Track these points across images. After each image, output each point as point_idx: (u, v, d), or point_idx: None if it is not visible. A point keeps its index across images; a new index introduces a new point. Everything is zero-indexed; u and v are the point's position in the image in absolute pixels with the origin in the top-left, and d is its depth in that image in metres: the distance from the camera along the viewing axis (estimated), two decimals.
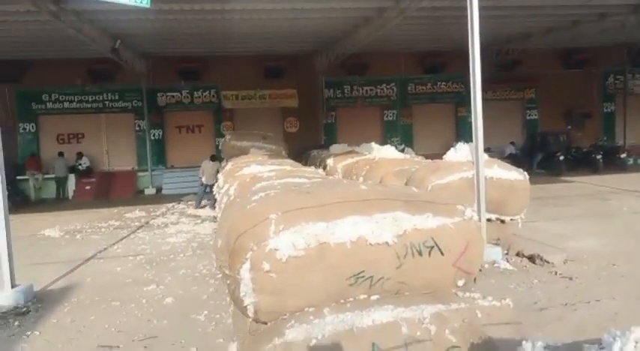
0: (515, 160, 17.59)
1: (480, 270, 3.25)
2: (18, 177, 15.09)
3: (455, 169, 6.36)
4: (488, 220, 6.44)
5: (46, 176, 15.73)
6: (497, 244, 6.43)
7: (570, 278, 5.44)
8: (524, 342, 1.82)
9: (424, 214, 2.91)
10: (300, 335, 2.48)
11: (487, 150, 19.62)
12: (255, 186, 4.75)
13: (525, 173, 6.66)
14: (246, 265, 2.71)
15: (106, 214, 12.04)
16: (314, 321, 2.56)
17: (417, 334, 2.49)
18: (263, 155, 10.66)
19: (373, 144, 10.62)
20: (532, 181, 14.39)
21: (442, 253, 2.88)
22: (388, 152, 9.06)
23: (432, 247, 2.86)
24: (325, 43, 14.96)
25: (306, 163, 13.55)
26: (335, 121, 18.17)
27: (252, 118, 17.15)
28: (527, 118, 19.16)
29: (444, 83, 18.58)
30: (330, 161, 10.57)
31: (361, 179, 7.93)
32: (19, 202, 14.03)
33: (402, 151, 12.70)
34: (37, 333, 4.51)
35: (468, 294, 2.84)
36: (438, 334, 2.49)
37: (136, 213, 11.90)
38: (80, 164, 16.07)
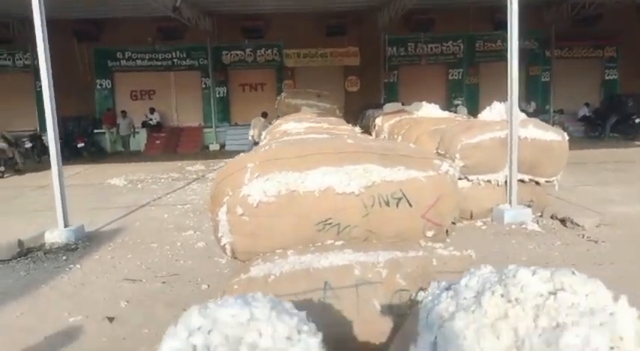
0: (588, 123, 16.65)
1: (454, 223, 3.28)
2: (95, 130, 16.34)
3: (487, 129, 6.22)
4: (522, 181, 6.31)
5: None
6: (528, 206, 6.30)
7: (596, 242, 5.28)
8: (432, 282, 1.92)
9: (396, 167, 3.00)
10: (261, 272, 2.71)
11: (559, 112, 18.58)
12: (267, 140, 4.99)
13: (564, 134, 6.39)
14: (223, 209, 2.96)
15: (169, 166, 12.84)
16: (277, 260, 2.78)
17: (369, 276, 2.64)
18: (314, 113, 10.84)
19: (424, 103, 10.44)
20: (601, 145, 13.65)
21: (410, 205, 2.97)
22: (431, 111, 8.93)
23: (400, 198, 2.96)
24: None
25: (361, 122, 13.62)
26: (397, 79, 17.89)
27: (313, 76, 17.28)
28: (606, 78, 17.86)
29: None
30: (378, 120, 10.57)
31: (399, 138, 7.95)
32: (95, 154, 15.26)
33: (455, 110, 12.37)
34: (79, 266, 5.09)
35: (430, 244, 2.93)
36: (389, 278, 2.63)
37: (196, 166, 12.60)
38: (151, 119, 17.06)
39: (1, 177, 11.65)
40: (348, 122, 14.34)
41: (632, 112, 14.92)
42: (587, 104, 16.99)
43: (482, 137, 6.15)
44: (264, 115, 13.16)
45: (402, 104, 12.38)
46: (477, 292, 1.39)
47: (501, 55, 17.62)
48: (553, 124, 17.04)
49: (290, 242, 2.98)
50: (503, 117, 6.31)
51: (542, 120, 19.75)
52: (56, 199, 6.04)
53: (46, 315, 3.84)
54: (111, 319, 3.71)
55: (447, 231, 3.18)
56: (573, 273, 1.27)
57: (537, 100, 17.42)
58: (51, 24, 6.16)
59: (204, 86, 17.61)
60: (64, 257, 5.41)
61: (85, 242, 5.98)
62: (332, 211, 2.94)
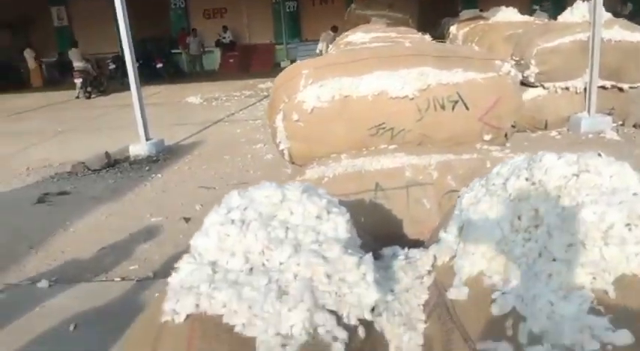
0: None
1: (514, 126, 3.18)
2: (172, 51, 16.80)
3: (567, 31, 5.77)
4: (602, 87, 5.90)
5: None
6: (609, 114, 5.93)
7: None
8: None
9: (453, 69, 2.93)
10: (315, 174, 2.83)
11: None
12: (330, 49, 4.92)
13: None
14: (280, 116, 3.05)
15: (242, 84, 13.11)
16: (330, 164, 2.88)
17: (420, 177, 2.69)
18: (384, 23, 10.47)
19: (502, 7, 9.75)
20: None
21: (467, 108, 2.91)
22: (509, 15, 8.34)
23: (457, 101, 2.91)
24: None
25: (436, 32, 13.00)
26: None
27: None
28: None
29: None
30: (453, 28, 10.07)
31: (474, 45, 7.57)
32: (173, 74, 15.80)
33: (533, 14, 11.42)
34: (160, 175, 5.51)
35: (486, 147, 2.90)
36: (440, 179, 2.67)
37: (268, 84, 12.74)
38: (224, 37, 17.22)
39: (88, 97, 12.47)
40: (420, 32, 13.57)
41: None
42: None
43: (561, 41, 5.74)
44: (334, 29, 12.86)
45: (480, 11, 11.66)
46: (505, 178, 1.41)
47: None
48: None
49: (344, 147, 3.05)
50: (586, 18, 5.80)
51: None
52: (136, 114, 6.45)
53: (131, 216, 4.27)
54: (187, 220, 4.06)
55: (505, 135, 3.11)
56: (599, 155, 1.25)
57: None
58: None
59: (274, 1, 17.35)
60: (147, 167, 5.85)
61: (165, 154, 6.41)
62: (385, 115, 2.95)
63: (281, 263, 1.26)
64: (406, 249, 1.78)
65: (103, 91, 12.91)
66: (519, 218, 1.28)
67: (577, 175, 1.23)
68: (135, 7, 6.52)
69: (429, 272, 1.58)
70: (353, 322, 1.24)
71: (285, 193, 1.42)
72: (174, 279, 1.27)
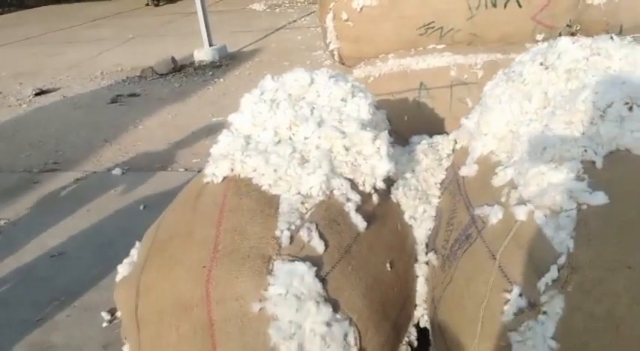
0: None
1: (569, 26, 3.06)
2: None
3: None
4: None
5: None
6: None
7: None
8: None
9: None
10: (362, 74, 2.92)
11: None
12: None
13: None
14: (330, 15, 3.09)
15: None
16: (377, 63, 2.94)
17: (465, 77, 2.72)
18: None
19: None
20: None
21: (520, 5, 2.83)
22: None
23: None
24: None
25: None
26: None
27: None
28: None
29: None
30: None
31: None
32: None
33: None
34: (222, 80, 5.75)
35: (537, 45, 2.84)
36: (485, 79, 2.66)
37: None
38: None
39: (157, 4, 12.70)
40: None
41: None
42: None
43: None
44: None
45: None
46: (524, 64, 1.47)
47: None
48: None
49: (393, 47, 3.07)
50: None
51: None
52: (200, 22, 6.60)
53: (195, 116, 4.57)
54: None
55: (559, 34, 3.01)
56: (612, 38, 1.27)
57: None
58: None
59: None
60: (210, 72, 6.10)
61: (227, 60, 6.60)
62: (434, 14, 2.92)
63: (306, 138, 1.42)
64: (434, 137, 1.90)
65: None
66: (530, 101, 1.36)
67: (587, 59, 1.27)
68: None
69: (448, 155, 1.70)
70: (368, 189, 1.40)
71: (314, 77, 1.55)
72: (214, 149, 1.47)
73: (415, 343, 1.38)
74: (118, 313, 1.45)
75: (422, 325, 1.41)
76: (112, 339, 1.97)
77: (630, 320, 0.86)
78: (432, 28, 2.99)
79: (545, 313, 0.94)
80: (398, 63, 2.90)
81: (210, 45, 6.71)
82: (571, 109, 1.22)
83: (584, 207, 1.04)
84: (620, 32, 5.63)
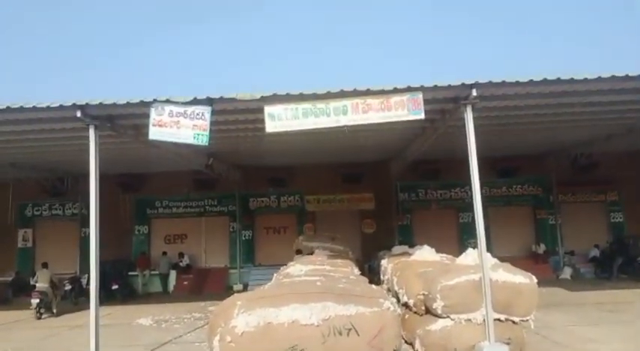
0: (598, 264, 17.09)
1: (395, 350, 4.14)
2: (129, 273, 17.61)
3: (462, 272, 7.13)
4: (499, 320, 7.03)
5: (153, 272, 18.13)
6: (507, 343, 6.94)
7: None
8: None
9: (348, 304, 4.01)
10: None
11: (570, 253, 18.97)
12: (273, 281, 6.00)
13: (532, 277, 7.20)
14: (217, 337, 3.96)
15: (193, 306, 13.71)
16: None
17: None
18: (326, 255, 11.90)
19: (425, 247, 11.41)
20: (608, 286, 14.03)
21: (358, 334, 3.92)
22: (425, 255, 9.87)
23: (350, 329, 3.92)
24: (395, 152, 16.42)
25: (373, 263, 14.57)
26: (410, 222, 19.03)
27: (331, 219, 18.66)
28: (612, 220, 18.63)
29: (519, 186, 18.96)
30: (384, 262, 11.53)
31: (396, 279, 8.85)
32: (127, 295, 16.32)
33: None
34: None
35: None
36: None
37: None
38: (182, 261, 18.35)
39: (39, 318, 12.67)
40: (362, 262, 15.22)
41: (637, 253, 15.42)
42: (596, 246, 17.55)
43: (458, 280, 7.03)
44: (298, 252, 14.07)
45: (413, 246, 13.37)
46: None
47: (507, 201, 18.98)
48: (564, 266, 17.62)
49: None
50: (478, 262, 7.25)
51: (553, 261, 19.84)
52: (91, 336, 7.03)
53: None
54: None
55: None
56: None
57: (547, 241, 18.18)
58: (101, 178, 7.70)
59: (231, 230, 19.10)
60: None
61: None
62: (298, 338, 3.89)
63: None
64: None
65: (54, 313, 13.09)
66: None
67: None
68: (102, 231, 7.64)
69: None
70: None
71: None
72: None
73: None
74: None
75: None
76: None
77: None
78: (296, 349, 3.91)
79: None
80: None
81: None
82: None
83: None
84: None
